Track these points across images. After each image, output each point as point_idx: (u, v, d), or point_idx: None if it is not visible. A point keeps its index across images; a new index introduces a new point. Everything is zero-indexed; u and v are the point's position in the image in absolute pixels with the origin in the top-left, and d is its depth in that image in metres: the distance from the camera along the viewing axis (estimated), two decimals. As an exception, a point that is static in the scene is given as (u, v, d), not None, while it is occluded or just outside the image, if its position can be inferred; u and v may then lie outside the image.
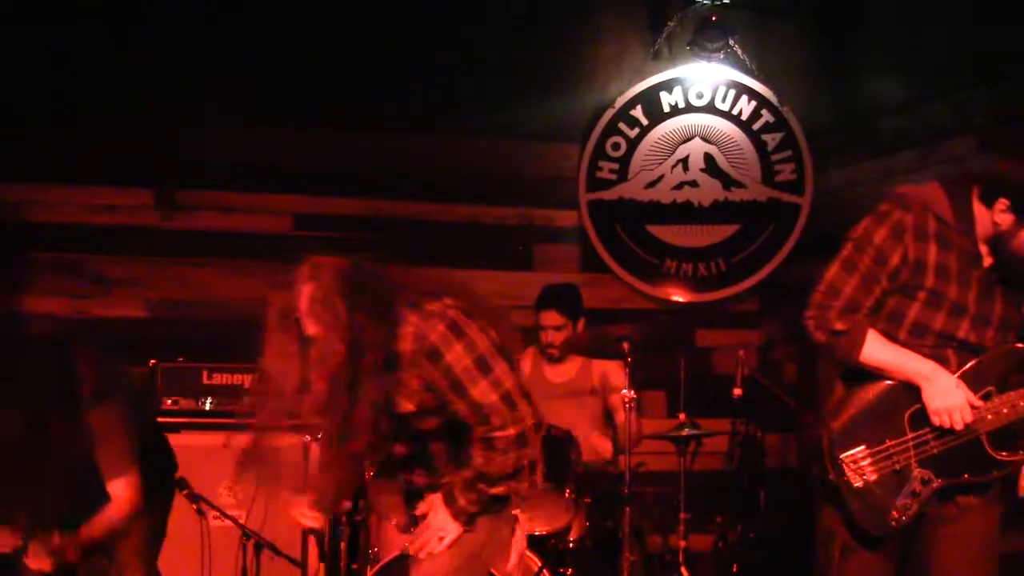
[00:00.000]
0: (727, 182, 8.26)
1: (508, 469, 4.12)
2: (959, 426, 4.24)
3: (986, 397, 4.30)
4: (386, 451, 4.33)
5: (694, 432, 6.68)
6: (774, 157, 8.28)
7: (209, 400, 7.02)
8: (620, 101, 8.27)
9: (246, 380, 7.01)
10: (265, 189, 7.88)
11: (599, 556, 6.42)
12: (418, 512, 4.35)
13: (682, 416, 6.76)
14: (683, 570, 6.58)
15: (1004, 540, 4.52)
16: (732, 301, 8.38)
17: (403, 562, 5.85)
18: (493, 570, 4.76)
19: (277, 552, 6.51)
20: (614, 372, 6.90)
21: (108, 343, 5.65)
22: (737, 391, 7.20)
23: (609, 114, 8.28)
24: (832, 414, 4.45)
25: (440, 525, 4.20)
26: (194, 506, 6.16)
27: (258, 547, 6.44)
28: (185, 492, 6.14)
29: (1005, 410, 4.29)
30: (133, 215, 7.73)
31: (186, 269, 7.79)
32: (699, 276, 8.33)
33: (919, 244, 4.30)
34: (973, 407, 4.26)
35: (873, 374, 4.38)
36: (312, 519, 4.33)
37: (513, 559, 4.54)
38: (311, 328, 4.09)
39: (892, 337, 4.36)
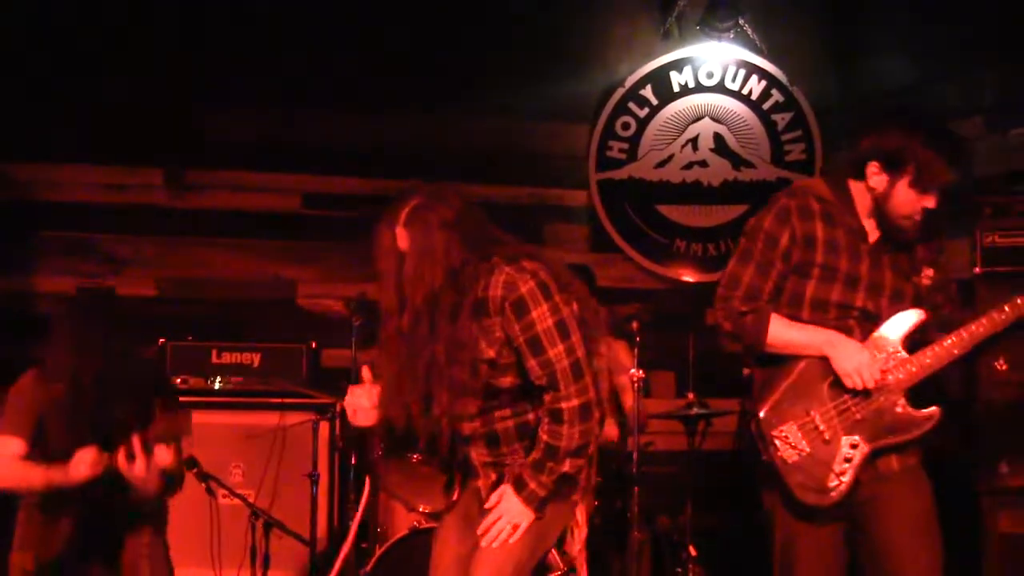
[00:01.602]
0: (737, 162, 8.26)
1: (574, 444, 4.12)
2: (870, 384, 4.42)
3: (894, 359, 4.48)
4: (462, 408, 4.32)
5: (703, 412, 6.69)
6: (784, 137, 8.27)
7: (218, 379, 7.04)
8: (630, 81, 8.26)
9: (255, 359, 7.04)
10: (275, 168, 7.88)
11: (608, 535, 6.43)
12: (487, 505, 4.34)
13: (691, 396, 6.78)
14: (691, 549, 6.60)
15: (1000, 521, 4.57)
16: (742, 281, 8.36)
17: (411, 541, 5.90)
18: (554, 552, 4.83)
19: (286, 531, 6.53)
20: (622, 353, 6.91)
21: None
22: (747, 371, 7.19)
23: (619, 94, 8.27)
24: (756, 399, 4.64)
25: (514, 514, 4.19)
26: (203, 485, 6.18)
27: (267, 526, 6.46)
28: (194, 471, 6.16)
29: (912, 368, 4.45)
30: (143, 194, 7.74)
31: (195, 248, 7.80)
32: (708, 256, 8.32)
33: (804, 222, 4.53)
34: (881, 369, 4.43)
35: (786, 356, 4.57)
36: (365, 416, 4.26)
37: (577, 543, 4.55)
38: (404, 243, 4.14)
39: (796, 318, 4.55)
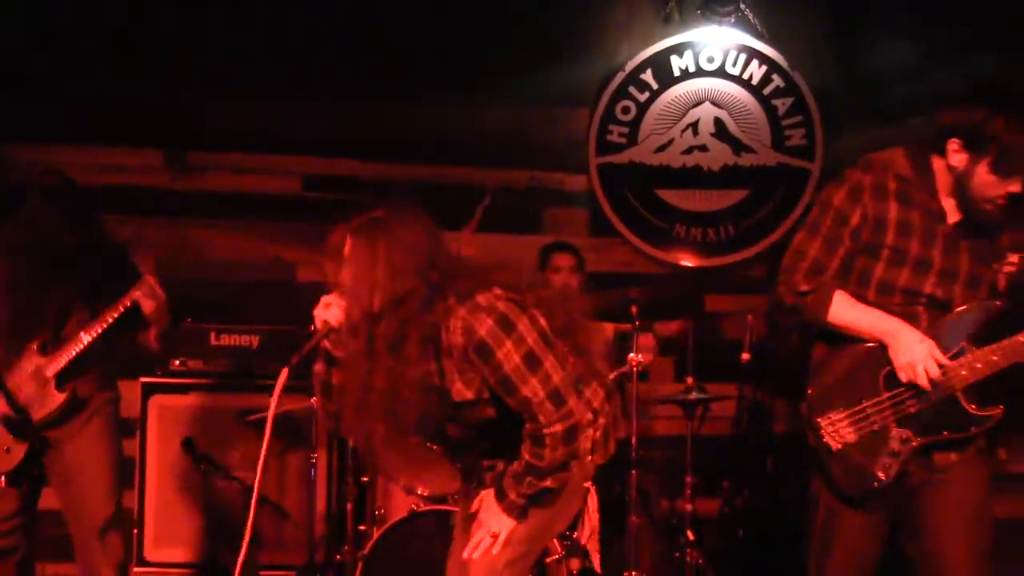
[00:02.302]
0: (737, 147, 8.24)
1: (556, 464, 4.11)
2: (924, 381, 4.26)
3: (959, 353, 4.31)
4: (440, 433, 4.33)
5: (702, 397, 6.70)
6: (784, 122, 8.25)
7: (216, 361, 7.04)
8: (630, 65, 8.25)
9: (254, 341, 7.03)
10: (275, 150, 7.87)
11: (606, 519, 6.43)
12: (472, 509, 4.35)
13: (690, 380, 6.78)
14: (689, 534, 6.61)
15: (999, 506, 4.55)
16: (741, 266, 8.37)
17: (409, 523, 5.91)
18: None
19: (284, 514, 6.54)
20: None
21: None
22: (745, 356, 7.21)
23: (619, 78, 8.25)
24: (811, 378, 4.53)
25: (493, 523, 4.20)
26: (200, 467, 6.19)
27: (264, 507, 6.47)
28: (192, 453, 6.17)
29: (979, 365, 4.29)
30: (143, 176, 7.74)
31: (196, 230, 7.79)
32: (708, 241, 8.31)
33: (877, 202, 4.38)
34: (942, 365, 4.27)
35: (850, 337, 4.43)
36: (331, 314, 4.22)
37: (587, 530, 4.55)
38: (348, 251, 4.08)
39: (862, 298, 4.41)
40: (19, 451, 5.27)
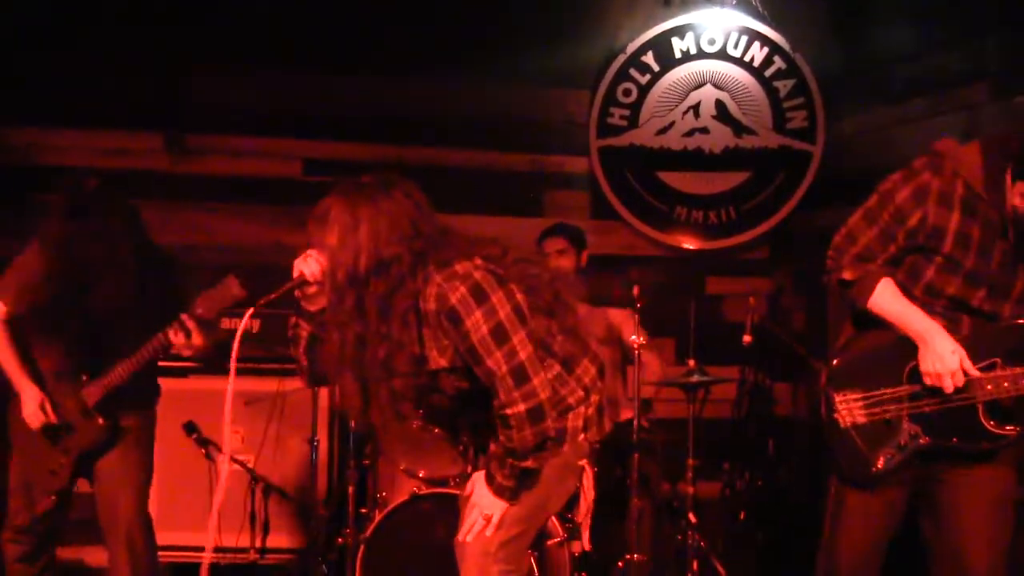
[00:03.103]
0: (738, 129, 8.23)
1: (528, 445, 4.09)
2: (948, 390, 4.21)
3: (990, 367, 4.25)
4: (425, 402, 4.33)
5: (703, 379, 6.69)
6: (786, 104, 8.24)
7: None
8: (631, 47, 8.24)
9: (255, 325, 7.03)
10: (275, 134, 7.88)
11: (608, 502, 6.44)
12: (465, 493, 4.36)
13: (691, 363, 6.77)
14: (691, 516, 6.60)
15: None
16: (742, 249, 8.36)
17: (411, 506, 5.90)
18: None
19: (285, 496, 6.55)
20: (624, 322, 6.91)
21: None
22: (747, 338, 7.20)
23: (620, 60, 8.24)
24: (837, 351, 4.49)
25: (485, 506, 4.21)
26: (203, 450, 6.19)
27: (266, 491, 6.47)
28: (194, 436, 6.17)
29: (1006, 383, 4.22)
30: (143, 159, 7.73)
31: (196, 213, 7.79)
32: (709, 223, 8.31)
33: (940, 210, 4.24)
34: (969, 375, 4.21)
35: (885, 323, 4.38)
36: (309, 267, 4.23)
37: (583, 508, 4.54)
38: (333, 214, 4.08)
39: (907, 291, 4.35)
40: (65, 473, 5.38)
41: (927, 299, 4.32)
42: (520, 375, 4.02)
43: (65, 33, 7.36)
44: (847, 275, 4.39)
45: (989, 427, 4.26)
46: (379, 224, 4.00)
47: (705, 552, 6.67)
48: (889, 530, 4.50)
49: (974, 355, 4.23)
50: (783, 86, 8.23)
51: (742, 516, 7.41)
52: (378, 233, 3.98)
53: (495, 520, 4.20)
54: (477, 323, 3.97)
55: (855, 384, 4.39)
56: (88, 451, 5.39)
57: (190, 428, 6.19)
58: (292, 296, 4.29)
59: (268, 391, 6.71)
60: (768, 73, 8.21)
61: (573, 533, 5.61)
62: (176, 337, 5.21)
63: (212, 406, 6.67)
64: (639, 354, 6.45)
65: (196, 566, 6.76)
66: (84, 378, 5.32)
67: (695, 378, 6.67)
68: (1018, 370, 4.21)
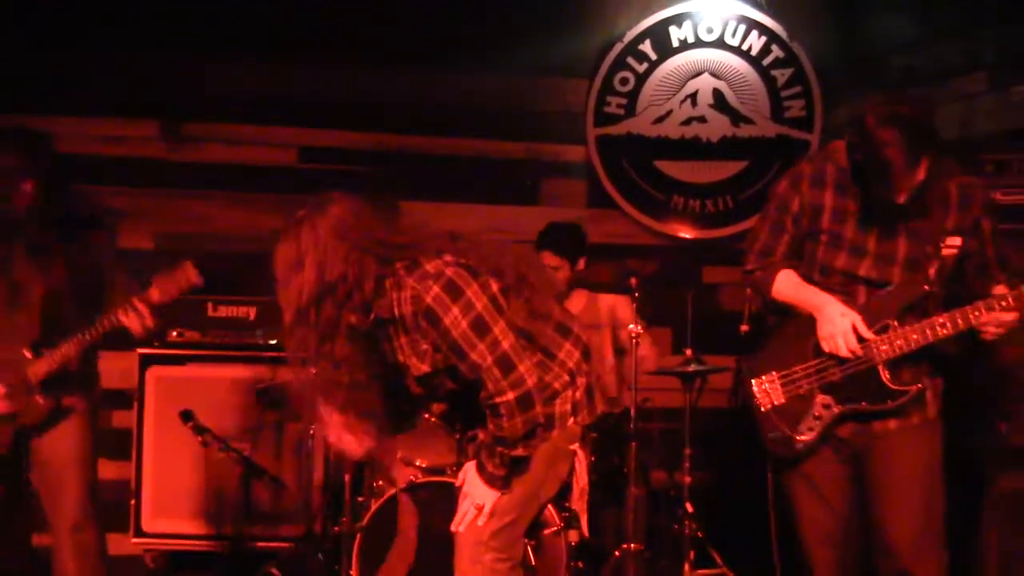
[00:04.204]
0: (736, 118, 8.22)
1: (518, 433, 4.13)
2: (844, 352, 4.49)
3: (884, 329, 4.49)
4: (421, 405, 4.38)
5: (700, 368, 6.68)
6: (783, 93, 8.23)
7: (214, 332, 7.03)
8: (629, 35, 8.23)
9: (251, 313, 7.03)
10: (272, 121, 7.87)
11: (605, 491, 6.44)
12: (457, 483, 4.39)
13: (688, 352, 6.76)
14: (687, 505, 6.60)
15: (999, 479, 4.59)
16: (740, 238, 8.32)
17: (408, 495, 5.89)
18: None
19: (280, 484, 6.54)
20: (622, 308, 6.91)
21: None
22: (744, 328, 7.18)
23: (618, 48, 8.23)
24: (758, 344, 4.86)
25: (477, 495, 4.25)
26: (199, 438, 6.18)
27: (263, 479, 6.47)
28: (190, 424, 6.16)
29: (899, 342, 4.47)
30: (139, 147, 7.73)
31: (192, 201, 7.79)
32: (707, 212, 8.30)
33: (814, 190, 4.64)
34: (864, 338, 4.47)
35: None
36: (351, 445, 4.31)
37: (576, 493, 4.55)
38: (279, 257, 4.13)
39: (808, 278, 4.67)
40: (3, 442, 5.33)
41: (823, 279, 4.64)
42: (506, 364, 4.06)
43: (61, 21, 7.34)
44: (750, 267, 4.83)
45: (892, 387, 4.50)
46: (320, 250, 4.03)
47: (702, 541, 6.67)
48: (845, 505, 4.71)
49: (870, 321, 4.51)
50: (781, 75, 8.21)
51: (739, 506, 7.41)
52: (319, 260, 4.03)
53: (487, 509, 4.22)
54: (456, 319, 4.01)
55: (771, 367, 4.70)
56: (28, 428, 5.33)
57: (186, 416, 6.17)
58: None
59: (264, 378, 6.70)
60: (766, 62, 8.20)
61: (570, 522, 5.60)
62: (127, 319, 5.21)
63: (209, 394, 6.71)
64: (637, 343, 6.45)
65: (191, 554, 6.80)
66: (27, 355, 5.27)
67: (692, 367, 6.67)
68: (907, 328, 4.46)
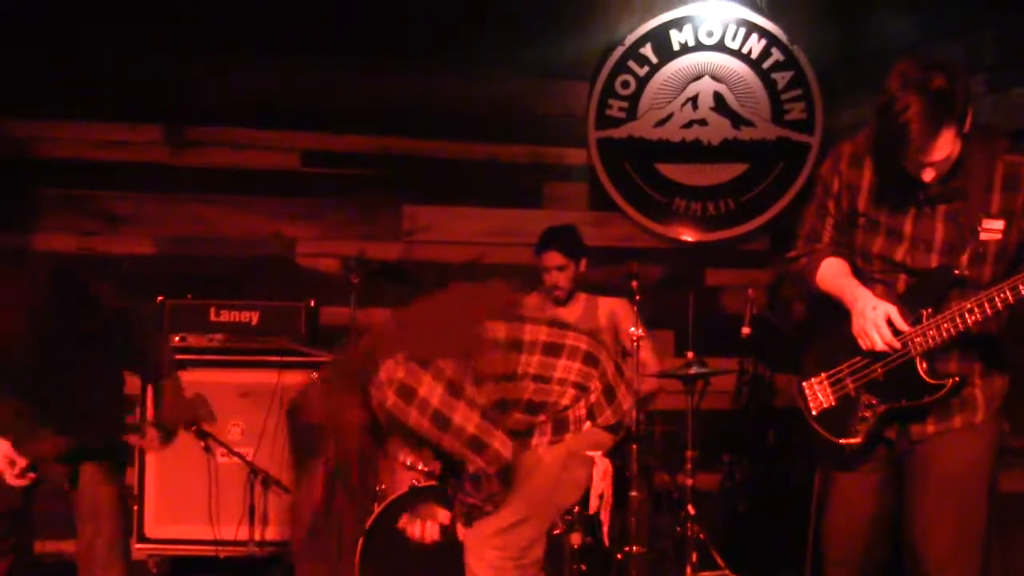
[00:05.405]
0: (736, 121, 8.23)
1: (495, 493, 4.29)
2: (878, 346, 4.22)
3: (919, 320, 4.21)
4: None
5: (702, 371, 6.69)
6: (784, 96, 8.24)
7: (217, 337, 7.03)
8: (630, 39, 8.24)
9: (253, 317, 7.04)
10: (274, 126, 7.87)
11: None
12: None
13: (690, 355, 6.77)
14: (690, 508, 6.61)
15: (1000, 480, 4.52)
16: (741, 240, 8.36)
17: (411, 498, 5.90)
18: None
19: (284, 489, 6.54)
20: (623, 312, 6.91)
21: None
22: (746, 330, 7.19)
23: (619, 52, 8.24)
24: (805, 343, 4.65)
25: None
26: (202, 443, 6.19)
27: (265, 484, 6.47)
28: (193, 429, 6.17)
29: (932, 332, 4.17)
30: (142, 151, 7.73)
31: (195, 205, 7.79)
32: (708, 215, 8.30)
33: (852, 170, 4.37)
34: (899, 331, 4.20)
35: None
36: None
37: (594, 500, 4.53)
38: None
39: (854, 266, 4.43)
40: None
41: (865, 265, 4.40)
42: (476, 445, 4.17)
43: (64, 25, 7.34)
44: (793, 253, 4.59)
45: (929, 380, 4.23)
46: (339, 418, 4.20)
47: (704, 544, 6.67)
48: (877, 516, 4.50)
49: (908, 311, 4.23)
50: (781, 78, 8.22)
51: (742, 508, 7.42)
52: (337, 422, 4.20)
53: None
54: (417, 420, 4.13)
55: (820, 368, 4.49)
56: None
57: (189, 421, 6.18)
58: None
59: (267, 383, 6.71)
60: (766, 65, 8.21)
61: (573, 525, 5.61)
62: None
63: (212, 399, 6.71)
64: (639, 346, 6.46)
65: (195, 559, 6.80)
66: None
67: (694, 370, 6.68)
68: (939, 317, 4.18)
